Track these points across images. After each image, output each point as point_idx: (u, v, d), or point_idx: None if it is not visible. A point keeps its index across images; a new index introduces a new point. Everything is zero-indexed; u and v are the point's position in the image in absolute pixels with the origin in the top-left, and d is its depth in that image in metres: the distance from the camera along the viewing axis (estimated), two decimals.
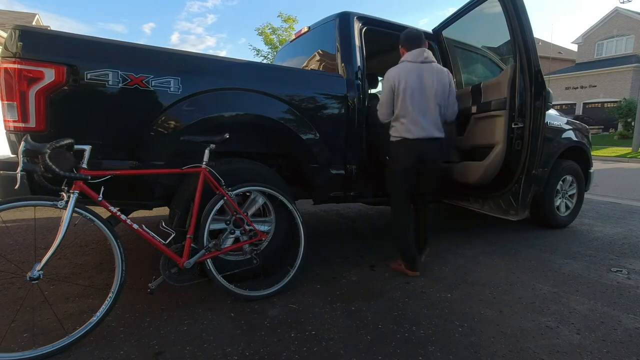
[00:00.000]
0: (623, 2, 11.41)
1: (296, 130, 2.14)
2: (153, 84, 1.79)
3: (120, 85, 1.73)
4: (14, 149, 1.76)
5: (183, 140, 1.85)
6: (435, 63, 2.16)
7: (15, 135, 1.66)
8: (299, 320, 1.69)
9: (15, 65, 1.57)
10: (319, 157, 2.24)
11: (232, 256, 2.00)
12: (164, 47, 1.97)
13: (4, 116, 1.65)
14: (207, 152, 1.77)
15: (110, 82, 1.71)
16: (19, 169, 1.39)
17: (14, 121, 1.61)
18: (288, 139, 2.17)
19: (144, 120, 1.80)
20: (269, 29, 16.67)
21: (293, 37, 3.30)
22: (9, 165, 1.64)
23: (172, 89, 1.83)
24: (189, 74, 1.87)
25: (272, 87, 2.09)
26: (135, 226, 1.59)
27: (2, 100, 1.63)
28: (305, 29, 2.97)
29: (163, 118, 1.82)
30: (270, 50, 17.12)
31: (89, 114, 1.71)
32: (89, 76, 1.67)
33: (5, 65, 1.59)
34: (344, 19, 2.49)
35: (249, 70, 2.15)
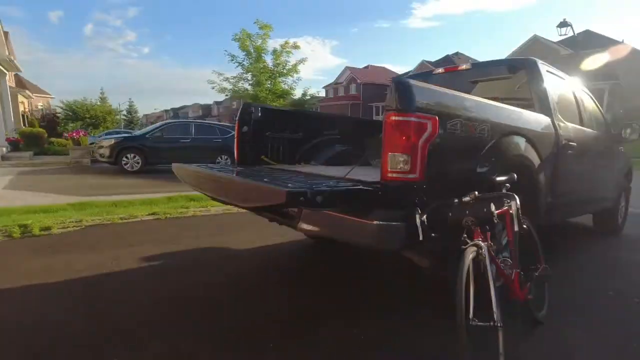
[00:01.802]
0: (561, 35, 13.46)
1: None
2: (478, 130, 1.98)
3: (462, 132, 1.89)
4: None
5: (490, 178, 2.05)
6: None
7: (398, 184, 1.72)
8: None
9: (410, 119, 1.66)
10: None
11: None
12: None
13: (387, 166, 1.71)
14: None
15: (458, 131, 1.87)
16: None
17: (400, 172, 1.69)
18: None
19: (472, 162, 1.99)
20: (246, 35, 16.36)
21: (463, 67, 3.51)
22: None
23: (485, 135, 2.03)
24: (496, 122, 2.10)
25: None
26: None
27: (390, 151, 1.70)
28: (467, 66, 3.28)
29: (481, 159, 2.01)
30: (245, 57, 16.80)
31: (446, 161, 1.84)
32: (448, 126, 1.81)
33: (396, 119, 1.67)
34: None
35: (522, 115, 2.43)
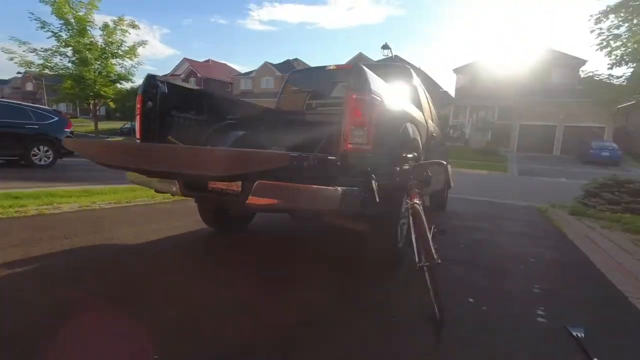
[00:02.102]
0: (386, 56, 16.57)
1: None
2: (398, 115, 2.39)
3: (391, 116, 2.26)
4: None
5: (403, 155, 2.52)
6: None
7: (355, 154, 1.91)
8: None
9: (366, 97, 1.90)
10: None
11: None
12: None
13: (348, 139, 1.88)
14: None
15: (390, 114, 2.22)
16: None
17: (357, 144, 1.90)
18: None
19: (395, 140, 2.38)
20: (64, 1, 13.27)
21: None
22: None
23: (400, 120, 2.47)
24: (405, 111, 2.56)
25: None
26: None
27: (350, 125, 1.88)
28: None
29: (398, 139, 2.44)
30: (63, 26, 13.62)
31: (383, 137, 2.15)
32: (385, 109, 2.13)
33: (356, 97, 1.88)
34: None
35: None
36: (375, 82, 2.07)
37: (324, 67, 3.98)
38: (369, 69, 2.05)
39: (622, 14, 6.39)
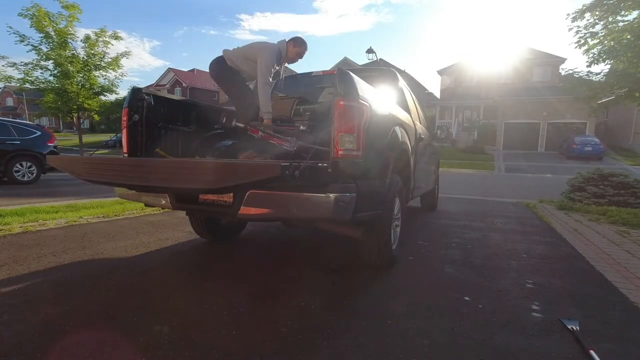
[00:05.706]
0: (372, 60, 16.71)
1: None
2: (386, 120, 2.41)
3: (379, 120, 2.27)
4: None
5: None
6: None
7: (346, 160, 1.91)
8: None
9: (354, 104, 1.90)
10: None
11: None
12: None
13: (338, 145, 1.88)
14: None
15: (377, 119, 2.23)
16: None
17: (348, 150, 1.90)
18: None
19: (382, 145, 2.39)
20: (43, 14, 13.07)
21: None
22: None
23: (388, 124, 2.49)
24: (393, 115, 2.58)
25: None
26: None
27: (340, 132, 1.88)
28: None
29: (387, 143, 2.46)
30: (43, 39, 13.39)
31: (372, 142, 2.15)
32: (373, 114, 2.14)
33: (344, 103, 1.88)
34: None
35: None
36: (363, 87, 2.08)
37: (311, 73, 4.00)
38: (354, 73, 2.06)
39: (597, 13, 6.57)
